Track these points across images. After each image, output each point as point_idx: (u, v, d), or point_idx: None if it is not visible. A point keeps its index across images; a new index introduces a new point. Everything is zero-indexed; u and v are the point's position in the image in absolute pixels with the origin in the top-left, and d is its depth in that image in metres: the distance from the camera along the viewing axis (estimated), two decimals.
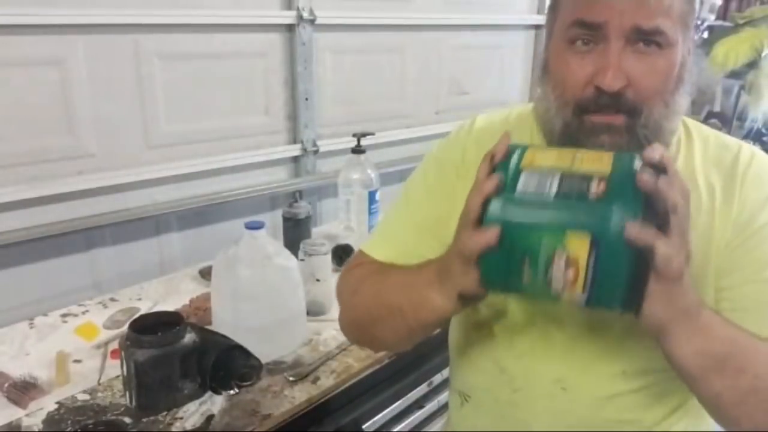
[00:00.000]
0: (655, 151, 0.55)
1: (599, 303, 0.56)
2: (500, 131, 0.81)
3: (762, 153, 0.75)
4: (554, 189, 0.55)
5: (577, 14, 0.65)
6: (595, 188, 0.54)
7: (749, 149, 0.74)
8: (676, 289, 0.56)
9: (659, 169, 0.55)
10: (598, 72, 0.64)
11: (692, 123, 0.78)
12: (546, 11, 0.74)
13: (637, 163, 0.56)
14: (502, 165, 0.59)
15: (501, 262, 0.57)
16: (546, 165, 0.57)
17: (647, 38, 0.64)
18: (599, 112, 0.66)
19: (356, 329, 0.83)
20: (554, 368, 0.77)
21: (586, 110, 0.66)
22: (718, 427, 0.80)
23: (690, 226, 0.56)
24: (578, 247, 0.53)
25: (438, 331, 1.15)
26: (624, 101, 0.65)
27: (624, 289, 0.54)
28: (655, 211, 0.53)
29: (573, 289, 0.54)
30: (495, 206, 0.56)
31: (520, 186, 0.56)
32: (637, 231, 0.52)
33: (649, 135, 0.66)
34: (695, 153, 0.74)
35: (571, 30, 0.66)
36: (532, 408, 0.79)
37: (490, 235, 0.56)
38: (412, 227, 0.82)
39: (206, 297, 1.21)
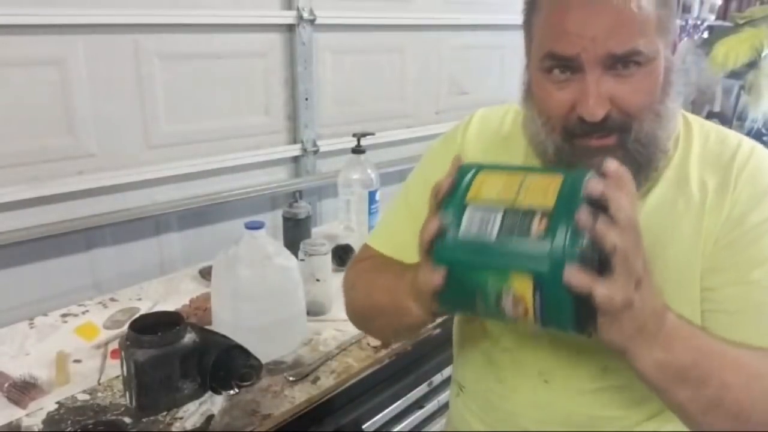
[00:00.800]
0: (596, 185, 0.53)
1: (554, 328, 0.57)
2: (494, 138, 0.82)
3: (762, 148, 0.73)
4: (496, 228, 0.55)
5: (548, 46, 0.64)
6: (537, 226, 0.53)
7: (749, 145, 0.73)
8: (626, 316, 0.54)
9: (601, 205, 0.53)
10: (579, 101, 0.64)
11: (693, 119, 0.77)
12: (522, 26, 0.73)
13: (584, 192, 0.54)
14: (448, 200, 0.59)
15: (455, 297, 0.59)
16: (491, 197, 0.57)
17: (624, 61, 0.63)
18: (588, 136, 0.65)
19: (355, 320, 0.86)
20: (538, 361, 0.78)
21: (574, 135, 0.66)
22: None
23: (640, 256, 0.54)
24: (522, 286, 0.54)
25: (438, 331, 1.16)
26: (611, 123, 0.64)
27: (572, 320, 0.55)
28: (598, 248, 0.52)
29: (526, 319, 0.56)
30: (440, 248, 0.57)
31: (463, 225, 0.56)
32: (573, 277, 0.51)
33: (643, 148, 0.66)
34: (692, 150, 0.73)
35: (545, 61, 0.65)
36: (517, 399, 0.80)
37: (437, 277, 0.57)
38: (412, 222, 0.81)
39: (206, 297, 1.21)
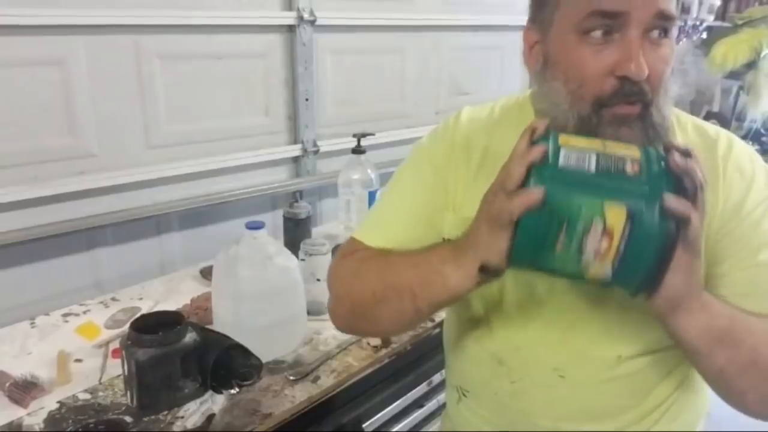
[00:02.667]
0: (680, 143, 0.60)
1: (623, 277, 0.59)
2: (486, 123, 0.82)
3: (738, 140, 0.76)
4: (593, 165, 0.58)
5: (595, 5, 0.64)
6: (630, 168, 0.58)
7: (726, 137, 0.76)
8: (697, 261, 0.60)
9: (684, 153, 0.58)
10: (622, 62, 0.63)
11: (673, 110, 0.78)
12: (532, 6, 0.73)
13: (661, 151, 0.60)
14: (540, 139, 0.61)
15: (538, 228, 0.59)
16: (581, 146, 0.60)
17: (664, 24, 0.65)
18: (619, 104, 0.65)
19: (354, 316, 0.80)
20: (552, 357, 0.77)
21: (606, 103, 0.66)
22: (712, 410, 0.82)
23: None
24: (615, 217, 0.56)
25: (438, 330, 1.16)
26: (645, 90, 0.65)
27: (652, 262, 0.57)
28: (685, 190, 0.57)
29: (603, 260, 0.57)
30: (540, 173, 0.59)
31: (561, 159, 0.59)
32: (676, 202, 0.55)
33: (657, 124, 0.67)
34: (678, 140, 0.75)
35: (587, 21, 0.64)
36: (532, 398, 0.79)
37: (535, 196, 0.57)
38: (406, 216, 0.81)
39: (207, 297, 1.21)
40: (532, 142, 0.61)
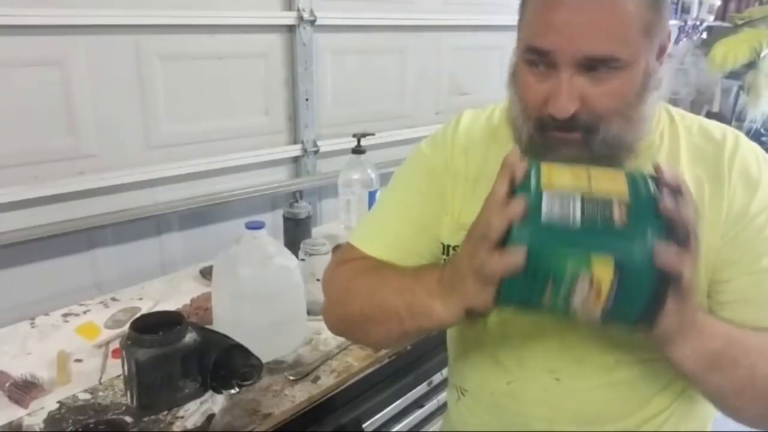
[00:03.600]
0: (670, 174, 0.56)
1: (613, 320, 0.57)
2: (485, 128, 0.82)
3: (746, 139, 0.74)
4: (578, 214, 0.55)
5: (530, 39, 0.65)
6: (618, 213, 0.55)
7: (733, 137, 0.74)
8: (689, 304, 0.58)
9: (675, 190, 0.56)
10: (550, 97, 0.65)
11: (676, 111, 0.77)
12: (518, 10, 0.73)
13: (651, 185, 0.57)
14: (522, 185, 0.58)
15: (523, 283, 0.57)
16: (565, 185, 0.57)
17: (599, 64, 0.63)
18: (557, 130, 0.66)
19: (345, 326, 0.82)
20: (548, 359, 0.77)
21: (546, 127, 0.67)
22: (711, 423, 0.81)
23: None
24: (603, 271, 0.54)
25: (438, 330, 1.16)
26: (578, 122, 0.65)
27: (641, 309, 0.56)
28: (677, 234, 0.54)
29: (593, 309, 0.56)
30: (522, 231, 0.56)
31: (544, 209, 0.56)
32: (666, 256, 0.53)
33: (608, 149, 0.66)
34: (680, 145, 0.74)
35: (528, 53, 0.66)
36: (527, 399, 0.80)
37: (517, 259, 0.55)
38: (406, 225, 0.82)
39: (207, 297, 1.21)
40: (513, 189, 0.59)
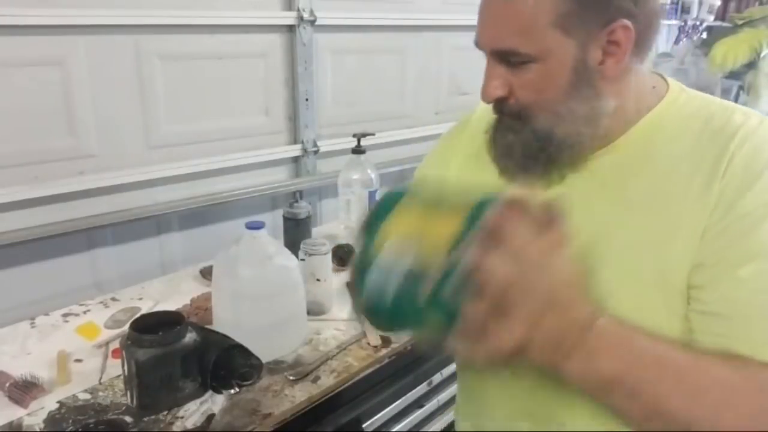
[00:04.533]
0: (492, 219, 0.54)
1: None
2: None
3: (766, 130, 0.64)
4: (393, 288, 0.57)
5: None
6: (423, 289, 0.55)
7: (758, 119, 0.65)
8: (533, 348, 0.55)
9: (495, 239, 0.53)
10: None
11: (694, 95, 0.71)
12: None
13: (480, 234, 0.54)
14: (359, 256, 0.62)
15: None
16: (391, 249, 0.59)
17: (509, 57, 0.67)
18: (498, 114, 0.73)
19: None
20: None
21: (495, 112, 0.73)
22: None
23: (544, 284, 0.53)
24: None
25: None
26: (506, 108, 0.70)
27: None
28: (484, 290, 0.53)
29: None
30: (356, 300, 0.63)
31: (366, 288, 0.60)
32: (457, 347, 0.56)
33: (538, 141, 0.69)
34: (685, 138, 0.67)
35: None
36: (489, 390, 0.81)
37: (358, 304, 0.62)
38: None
39: (207, 297, 1.21)
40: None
